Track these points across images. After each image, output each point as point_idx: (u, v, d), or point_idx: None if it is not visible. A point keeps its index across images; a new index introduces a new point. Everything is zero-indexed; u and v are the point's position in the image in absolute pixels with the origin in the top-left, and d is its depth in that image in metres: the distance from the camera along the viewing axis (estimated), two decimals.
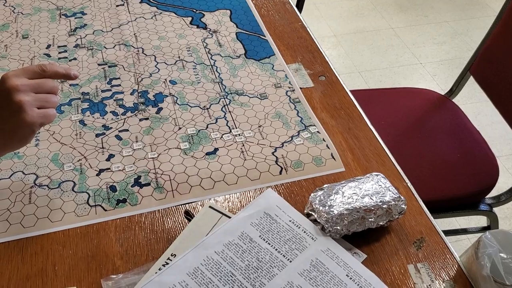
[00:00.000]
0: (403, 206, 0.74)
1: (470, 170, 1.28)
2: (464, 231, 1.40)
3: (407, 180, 0.84)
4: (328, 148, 0.88)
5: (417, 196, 0.81)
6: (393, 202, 0.73)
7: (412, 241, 0.75)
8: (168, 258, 0.68)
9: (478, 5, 2.91)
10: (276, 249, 0.69)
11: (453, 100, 1.50)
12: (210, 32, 1.14)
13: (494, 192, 1.25)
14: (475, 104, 2.17)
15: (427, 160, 1.29)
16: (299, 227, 0.72)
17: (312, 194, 0.76)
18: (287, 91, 1.00)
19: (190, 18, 1.18)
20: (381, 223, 0.73)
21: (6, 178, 0.81)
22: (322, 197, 0.74)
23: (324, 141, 0.89)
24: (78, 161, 0.84)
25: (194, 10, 1.21)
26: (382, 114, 1.41)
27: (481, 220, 1.70)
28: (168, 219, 0.76)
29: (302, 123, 0.93)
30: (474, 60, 1.45)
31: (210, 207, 0.74)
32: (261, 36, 1.13)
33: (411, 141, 1.35)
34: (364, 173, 0.84)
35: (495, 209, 1.27)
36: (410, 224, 0.77)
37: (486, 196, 1.27)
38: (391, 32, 2.69)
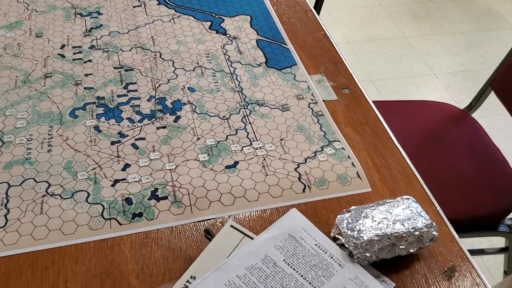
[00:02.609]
0: (435, 233, 0.71)
1: (490, 189, 1.24)
2: (481, 252, 1.36)
3: (436, 204, 0.80)
4: (354, 166, 0.84)
5: (447, 221, 0.78)
6: (425, 229, 0.69)
7: (443, 269, 0.71)
8: (187, 281, 0.64)
9: (494, 17, 2.88)
10: (302, 275, 0.65)
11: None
12: (230, 38, 1.10)
13: None
14: (489, 117, 2.13)
15: (445, 177, 1.25)
16: (325, 252, 0.68)
17: (338, 216, 0.72)
18: (309, 103, 0.96)
19: (209, 23, 1.14)
20: (411, 250, 0.69)
21: (17, 185, 0.77)
22: (350, 220, 0.70)
23: (349, 158, 0.85)
24: (92, 169, 0.81)
25: (214, 15, 1.17)
26: (400, 127, 1.37)
27: (493, 240, 1.66)
28: (186, 236, 0.72)
29: (326, 138, 0.89)
30: (496, 75, 1.41)
31: (231, 226, 0.70)
32: (282, 45, 1.10)
33: (429, 156, 1.31)
34: (391, 194, 0.80)
35: None
36: (440, 251, 0.73)
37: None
38: (405, 41, 2.65)
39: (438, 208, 0.79)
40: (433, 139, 1.36)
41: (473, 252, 1.38)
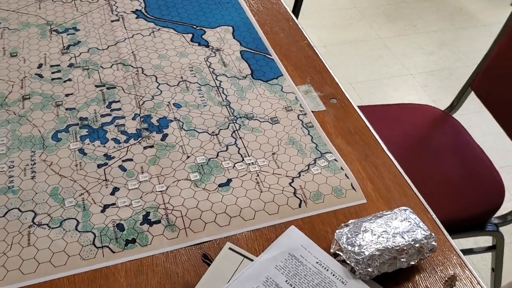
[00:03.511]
0: (434, 243, 0.70)
1: (477, 189, 1.25)
2: (470, 251, 1.37)
3: (431, 212, 0.80)
4: (347, 177, 0.83)
5: (443, 229, 0.77)
6: (424, 240, 0.69)
7: (443, 279, 0.71)
8: None
9: (465, 16, 2.92)
10: None
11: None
12: (213, 50, 1.08)
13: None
14: (466, 115, 2.16)
15: (432, 180, 1.26)
16: (327, 270, 0.67)
17: (337, 231, 0.71)
18: (298, 115, 0.95)
19: (190, 35, 1.12)
20: (412, 263, 0.69)
21: (1, 217, 0.74)
22: (349, 235, 0.69)
23: (343, 170, 0.84)
24: (80, 195, 0.78)
25: (194, 27, 1.15)
26: (385, 132, 1.36)
27: (478, 238, 1.68)
28: (183, 261, 0.70)
29: (318, 150, 0.88)
30: (476, 75, 1.42)
31: (230, 248, 0.68)
32: (266, 55, 1.08)
33: (415, 160, 1.31)
34: (386, 204, 0.80)
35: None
36: (439, 260, 0.73)
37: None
38: (380, 42, 2.67)
39: (434, 216, 0.79)
40: (418, 143, 1.37)
41: (463, 252, 1.39)
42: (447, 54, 2.61)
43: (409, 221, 0.70)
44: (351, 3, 2.95)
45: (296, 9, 1.72)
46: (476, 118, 2.16)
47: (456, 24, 2.84)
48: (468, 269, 0.72)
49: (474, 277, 0.72)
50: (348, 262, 0.67)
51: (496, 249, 1.31)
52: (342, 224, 0.72)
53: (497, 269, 1.37)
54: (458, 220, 1.21)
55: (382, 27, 2.78)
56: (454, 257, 0.73)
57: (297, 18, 1.68)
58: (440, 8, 2.97)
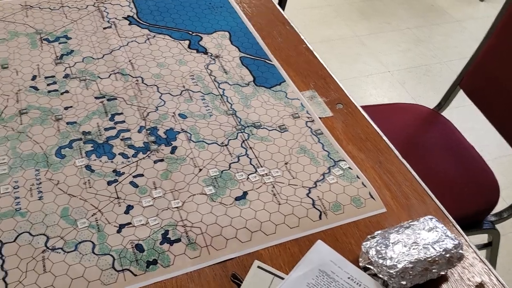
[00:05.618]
0: (461, 251, 0.70)
1: (472, 187, 1.27)
2: None
3: (451, 218, 0.80)
4: (365, 186, 0.82)
5: (466, 236, 0.77)
6: (454, 250, 0.68)
7: (471, 286, 0.71)
8: None
9: (437, 11, 2.97)
10: None
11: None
12: (212, 57, 1.05)
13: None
14: (450, 110, 2.19)
15: (427, 179, 1.25)
16: (359, 285, 0.66)
17: (364, 243, 0.70)
18: (306, 121, 0.93)
19: (187, 42, 1.09)
20: (442, 273, 0.68)
21: (11, 242, 0.70)
22: (378, 248, 0.68)
23: (359, 178, 0.83)
24: (92, 215, 0.74)
25: (190, 33, 1.12)
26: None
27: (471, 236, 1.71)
28: (209, 281, 0.68)
29: (331, 158, 0.87)
30: (464, 74, 1.44)
31: (258, 267, 0.66)
32: (267, 61, 1.06)
33: (410, 160, 1.31)
34: (406, 212, 0.79)
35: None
36: (465, 268, 0.73)
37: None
38: (357, 40, 2.68)
39: (454, 223, 0.79)
40: (411, 143, 1.38)
41: None
42: (422, 50, 2.65)
43: (436, 231, 0.70)
44: (324, 1, 2.96)
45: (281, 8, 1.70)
46: (461, 114, 2.19)
47: (429, 20, 2.88)
48: (495, 276, 0.72)
49: (501, 283, 0.72)
50: (380, 276, 0.66)
51: (492, 246, 1.33)
52: (368, 236, 0.71)
53: (492, 266, 1.39)
54: (455, 219, 1.22)
55: (357, 25, 2.79)
56: (479, 263, 0.74)
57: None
58: (412, 5, 3.01)
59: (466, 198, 1.24)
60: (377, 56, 2.58)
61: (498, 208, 1.27)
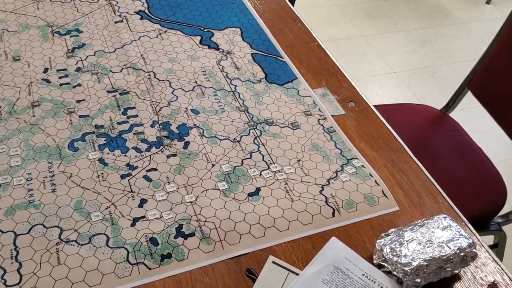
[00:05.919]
0: (475, 250, 0.70)
1: (479, 189, 1.27)
2: None
3: (463, 218, 0.79)
4: (378, 184, 0.82)
5: (478, 236, 0.77)
6: (468, 249, 0.68)
7: (484, 286, 0.71)
8: None
9: (442, 13, 2.97)
10: None
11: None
12: (224, 53, 1.05)
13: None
14: (456, 112, 2.20)
15: (436, 179, 1.26)
16: (374, 282, 0.65)
17: (378, 241, 0.70)
18: (318, 119, 0.93)
19: (199, 37, 1.09)
20: (455, 271, 0.68)
21: (25, 233, 0.70)
22: (392, 246, 0.68)
23: (372, 176, 0.83)
24: (106, 208, 0.74)
25: (202, 28, 1.11)
26: None
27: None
28: (223, 276, 0.68)
29: (343, 156, 0.86)
30: (473, 76, 1.44)
31: (273, 262, 0.66)
32: (278, 58, 1.06)
33: (418, 159, 1.32)
34: (419, 211, 0.79)
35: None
36: (478, 267, 0.73)
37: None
38: (363, 40, 2.68)
39: (467, 222, 0.79)
40: (420, 143, 1.38)
41: None
42: (428, 52, 2.65)
43: (451, 230, 0.70)
44: (331, 0, 2.96)
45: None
46: (467, 116, 2.19)
47: (435, 22, 2.88)
48: (508, 275, 0.72)
49: None
50: (395, 273, 0.66)
51: (498, 247, 1.33)
52: (382, 234, 0.71)
53: None
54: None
55: (363, 25, 2.79)
56: (492, 263, 0.73)
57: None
58: (418, 6, 3.01)
59: (473, 199, 1.24)
60: (383, 57, 2.58)
61: (504, 210, 1.27)
